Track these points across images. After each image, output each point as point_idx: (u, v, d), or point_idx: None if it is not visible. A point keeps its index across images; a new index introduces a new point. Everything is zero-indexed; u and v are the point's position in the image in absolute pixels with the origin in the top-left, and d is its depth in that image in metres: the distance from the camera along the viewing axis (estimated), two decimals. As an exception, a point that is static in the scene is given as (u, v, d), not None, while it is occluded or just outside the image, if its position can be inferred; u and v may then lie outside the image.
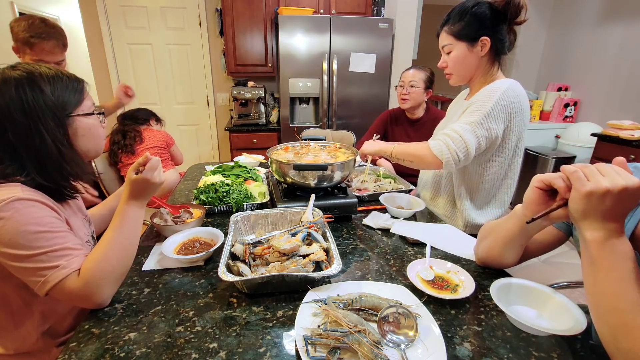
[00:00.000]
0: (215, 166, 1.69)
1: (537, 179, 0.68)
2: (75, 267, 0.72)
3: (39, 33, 1.50)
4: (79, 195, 0.96)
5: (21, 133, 0.73)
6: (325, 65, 2.94)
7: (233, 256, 0.89)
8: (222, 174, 1.51)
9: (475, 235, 1.37)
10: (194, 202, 1.28)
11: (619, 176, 0.55)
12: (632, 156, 2.51)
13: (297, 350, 0.64)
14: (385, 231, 1.16)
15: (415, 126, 2.03)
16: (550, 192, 0.67)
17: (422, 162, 1.20)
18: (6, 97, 0.72)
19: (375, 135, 1.60)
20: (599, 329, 0.59)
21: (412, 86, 1.92)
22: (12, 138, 0.73)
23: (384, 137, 2.20)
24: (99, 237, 1.01)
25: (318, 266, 0.87)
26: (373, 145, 1.37)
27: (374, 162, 1.60)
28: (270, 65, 3.34)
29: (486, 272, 0.93)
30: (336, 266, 0.80)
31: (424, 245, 1.04)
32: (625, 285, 0.55)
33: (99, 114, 0.88)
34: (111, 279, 0.76)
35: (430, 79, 1.93)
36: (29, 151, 0.74)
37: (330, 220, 1.07)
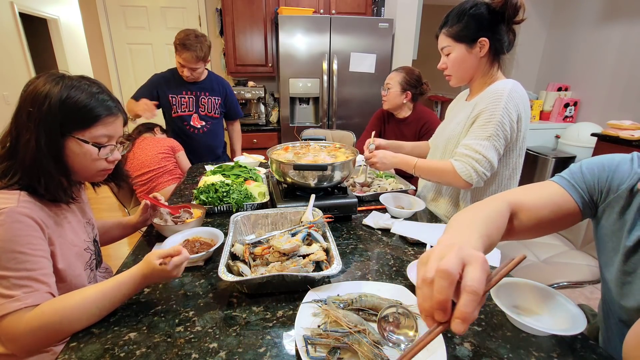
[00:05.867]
0: (215, 166, 1.69)
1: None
2: (29, 303, 0.68)
3: (184, 43, 1.94)
4: (81, 199, 0.96)
5: (19, 129, 0.77)
6: (325, 65, 2.94)
7: (233, 256, 0.89)
8: (222, 174, 1.51)
9: None
10: (194, 202, 1.28)
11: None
12: (632, 156, 2.51)
13: (297, 350, 0.64)
14: (385, 231, 1.16)
15: (402, 125, 2.04)
16: None
17: (449, 182, 1.22)
18: (25, 97, 0.77)
19: (372, 133, 1.59)
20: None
21: (388, 88, 1.96)
22: (14, 132, 0.78)
23: (380, 135, 2.20)
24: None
25: (318, 266, 0.87)
26: (394, 157, 1.34)
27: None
28: (270, 65, 3.34)
29: (486, 272, 0.93)
30: (336, 266, 0.80)
31: (424, 245, 1.04)
32: None
33: (98, 146, 0.83)
34: (50, 334, 0.69)
35: (408, 80, 1.92)
36: (19, 149, 0.77)
37: (330, 220, 1.07)
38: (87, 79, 0.84)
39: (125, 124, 0.91)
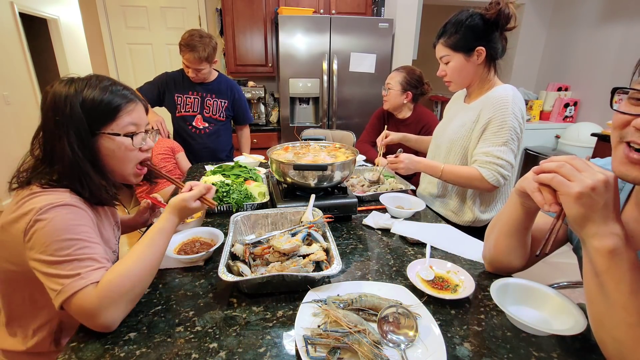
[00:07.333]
0: (215, 166, 1.69)
1: (520, 185, 0.68)
2: (93, 279, 0.69)
3: (187, 44, 1.94)
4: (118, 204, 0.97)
5: (52, 141, 0.77)
6: (325, 65, 2.94)
7: (233, 256, 0.89)
8: (222, 174, 1.51)
9: (480, 231, 1.39)
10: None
11: (594, 170, 0.54)
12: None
13: (297, 350, 0.64)
14: (385, 231, 1.16)
15: (402, 126, 2.02)
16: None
17: (475, 187, 1.27)
18: (48, 107, 0.78)
19: (385, 127, 1.68)
20: (602, 340, 0.58)
21: (389, 88, 1.95)
22: (48, 146, 0.78)
23: (380, 134, 2.19)
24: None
25: (318, 266, 0.87)
26: (419, 162, 1.35)
27: (372, 162, 1.63)
28: (270, 65, 3.34)
29: (486, 272, 0.93)
30: (336, 266, 0.80)
31: (424, 245, 1.04)
32: (635, 297, 0.52)
33: (130, 135, 0.84)
34: (127, 297, 0.71)
35: (409, 80, 1.91)
36: (56, 158, 0.78)
37: (330, 220, 1.07)
38: (96, 76, 0.84)
39: (146, 111, 0.91)
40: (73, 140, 0.77)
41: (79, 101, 0.77)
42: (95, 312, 0.67)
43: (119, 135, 0.82)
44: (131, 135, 0.84)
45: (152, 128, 0.92)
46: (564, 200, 0.56)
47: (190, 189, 0.89)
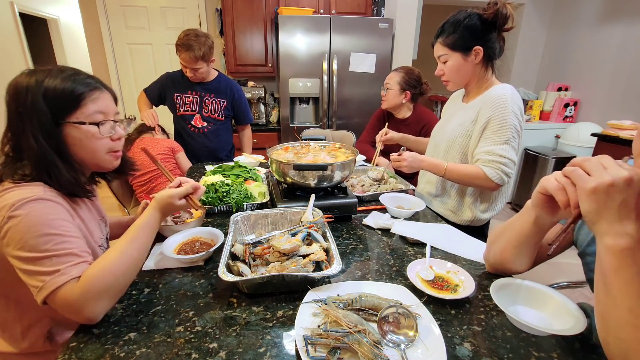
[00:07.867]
0: (215, 166, 1.69)
1: (541, 186, 0.66)
2: (74, 275, 0.69)
3: (183, 43, 1.93)
4: (94, 196, 0.96)
5: (18, 134, 0.76)
6: (325, 65, 2.94)
7: (233, 256, 0.89)
8: (222, 174, 1.51)
9: (479, 230, 1.39)
10: (194, 202, 1.28)
11: (620, 167, 0.52)
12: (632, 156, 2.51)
13: (297, 350, 0.64)
14: (385, 231, 1.16)
15: (402, 126, 2.02)
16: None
17: (478, 185, 1.29)
18: (10, 99, 0.77)
19: (386, 124, 1.72)
20: (605, 340, 0.57)
21: (387, 88, 1.96)
22: (14, 139, 0.77)
23: None
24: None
25: (318, 266, 0.87)
26: (422, 160, 1.35)
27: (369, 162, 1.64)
28: (270, 65, 3.34)
29: (486, 272, 0.93)
30: (336, 266, 0.80)
31: (424, 245, 1.04)
32: None
33: (96, 124, 0.81)
34: (110, 292, 0.71)
35: (407, 80, 1.92)
36: (24, 152, 0.77)
37: (330, 220, 1.07)
38: (58, 67, 0.82)
39: (115, 101, 0.89)
40: (37, 132, 0.75)
41: (41, 91, 0.75)
42: (79, 307, 0.67)
43: (84, 123, 0.80)
44: (97, 123, 0.82)
45: (118, 119, 0.89)
46: (579, 194, 0.55)
47: (179, 185, 0.89)
